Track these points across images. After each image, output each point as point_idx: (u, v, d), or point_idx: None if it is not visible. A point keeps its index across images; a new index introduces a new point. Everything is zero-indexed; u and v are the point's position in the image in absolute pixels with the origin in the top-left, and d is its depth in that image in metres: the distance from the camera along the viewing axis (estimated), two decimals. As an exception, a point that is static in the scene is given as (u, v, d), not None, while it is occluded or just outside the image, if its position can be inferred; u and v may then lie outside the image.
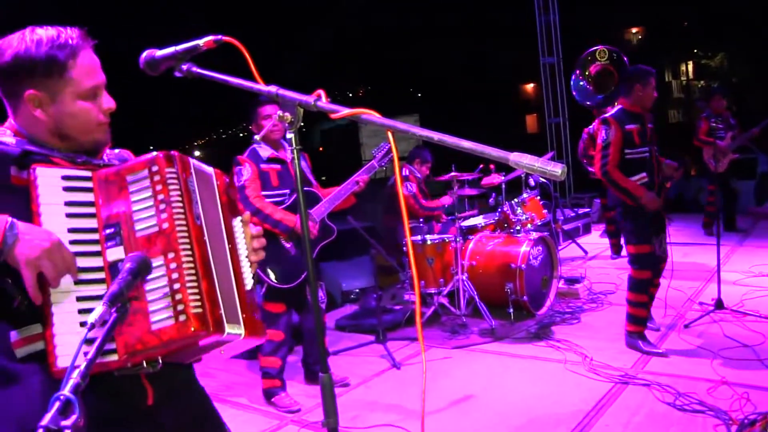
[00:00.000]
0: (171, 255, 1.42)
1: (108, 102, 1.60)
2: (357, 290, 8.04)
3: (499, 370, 4.40)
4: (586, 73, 7.25)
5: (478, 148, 1.17)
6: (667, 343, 4.51)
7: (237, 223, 1.75)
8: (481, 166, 5.98)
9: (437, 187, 6.98)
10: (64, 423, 0.98)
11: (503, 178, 6.23)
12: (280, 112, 1.49)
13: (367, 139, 22.70)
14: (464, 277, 5.44)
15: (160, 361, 1.47)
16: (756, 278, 5.97)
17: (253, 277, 1.73)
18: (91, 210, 1.48)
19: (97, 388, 1.40)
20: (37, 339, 1.42)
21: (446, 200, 6.23)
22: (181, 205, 1.46)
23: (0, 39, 1.51)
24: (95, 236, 1.47)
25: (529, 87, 26.03)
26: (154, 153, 1.49)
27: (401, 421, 3.69)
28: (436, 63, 24.78)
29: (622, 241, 6.56)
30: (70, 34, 1.51)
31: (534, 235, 5.60)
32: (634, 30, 23.45)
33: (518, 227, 5.78)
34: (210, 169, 1.70)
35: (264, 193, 3.95)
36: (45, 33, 1.49)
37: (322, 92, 1.47)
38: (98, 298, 1.41)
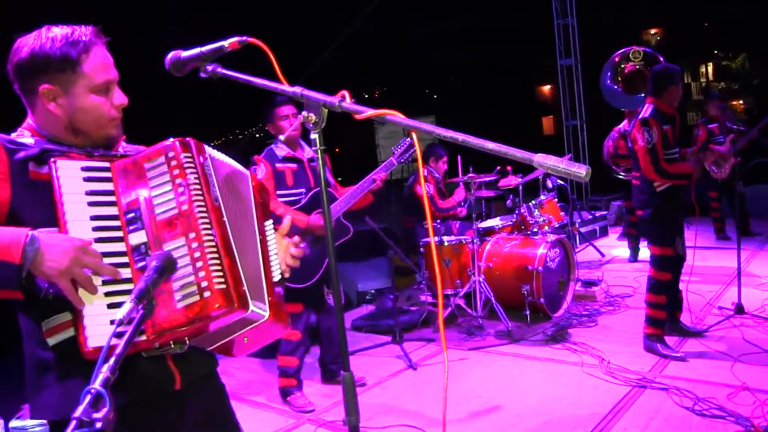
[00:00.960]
0: (192, 235, 1.46)
1: (120, 98, 1.65)
2: (373, 291, 8.05)
3: (515, 372, 4.39)
4: (618, 75, 7.17)
5: (502, 149, 1.18)
6: (686, 347, 4.47)
7: (269, 223, 1.85)
8: (499, 167, 5.96)
9: (455, 188, 6.98)
10: (95, 415, 1.01)
11: (521, 179, 6.21)
12: (305, 113, 1.51)
13: (383, 140, 22.68)
14: (481, 279, 5.43)
15: (187, 342, 1.53)
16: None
17: (281, 275, 1.82)
18: (112, 198, 1.53)
19: (127, 372, 1.45)
20: (67, 326, 1.47)
21: (459, 194, 6.20)
22: (198, 187, 1.51)
23: (19, 38, 1.57)
24: (117, 222, 1.51)
25: (546, 89, 25.94)
26: (171, 140, 1.55)
27: (417, 422, 3.69)
28: (452, 64, 24.77)
29: (642, 244, 6.53)
30: (84, 31, 1.57)
31: (551, 237, 5.58)
32: (652, 31, 23.32)
33: (535, 229, 5.76)
34: (246, 171, 1.81)
35: (279, 192, 3.96)
36: (60, 31, 1.56)
37: (346, 93, 1.48)
38: (124, 281, 1.46)
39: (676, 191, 4.29)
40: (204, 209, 1.50)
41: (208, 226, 1.49)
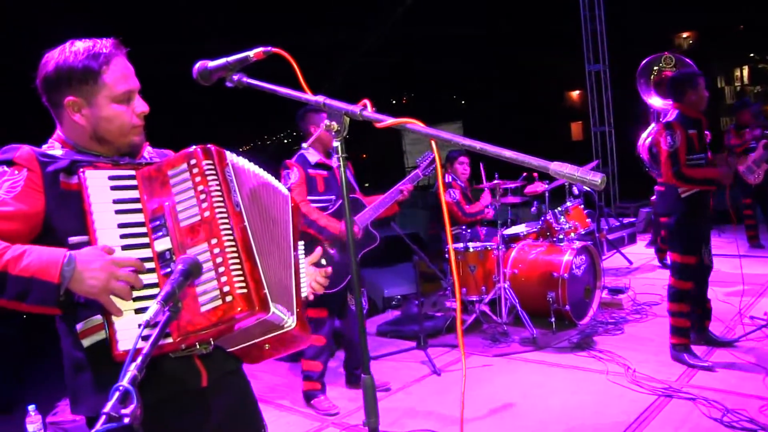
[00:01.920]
0: (214, 241, 1.51)
1: (141, 106, 1.71)
2: (399, 297, 8.06)
3: (540, 379, 4.37)
4: (651, 80, 7.07)
5: (519, 157, 1.19)
6: (715, 358, 4.40)
7: (300, 245, 1.92)
8: (525, 174, 5.94)
9: (481, 193, 6.96)
10: (123, 411, 1.07)
11: (546, 186, 6.17)
12: (327, 121, 1.54)
13: (410, 146, 22.72)
14: (506, 285, 5.41)
15: (212, 343, 1.59)
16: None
17: (306, 297, 1.89)
18: (138, 206, 1.58)
19: (156, 370, 1.53)
20: (99, 329, 1.54)
21: (486, 199, 6.18)
22: (219, 194, 1.55)
23: (47, 53, 1.65)
24: (143, 229, 1.57)
25: (575, 94, 25.72)
26: (192, 147, 1.59)
27: (440, 428, 3.70)
28: (480, 70, 24.69)
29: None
30: (104, 43, 1.64)
31: (577, 244, 5.55)
32: (685, 35, 22.94)
33: (561, 236, 5.73)
34: (286, 192, 1.92)
35: (310, 198, 4.00)
36: (82, 44, 1.63)
37: (367, 102, 1.51)
38: (150, 286, 1.52)
39: (701, 197, 4.21)
40: (225, 215, 1.54)
41: (230, 232, 1.53)
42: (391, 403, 4.19)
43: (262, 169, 1.83)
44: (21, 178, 1.54)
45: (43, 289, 1.41)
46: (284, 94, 1.60)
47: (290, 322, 1.64)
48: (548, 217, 5.89)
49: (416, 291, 5.23)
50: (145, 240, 1.56)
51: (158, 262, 1.54)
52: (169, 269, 1.52)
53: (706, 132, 4.32)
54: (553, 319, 5.31)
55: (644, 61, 7.08)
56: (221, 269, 1.48)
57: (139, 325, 1.38)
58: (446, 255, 5.77)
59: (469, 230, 5.80)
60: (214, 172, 1.57)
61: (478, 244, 5.61)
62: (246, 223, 1.60)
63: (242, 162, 1.75)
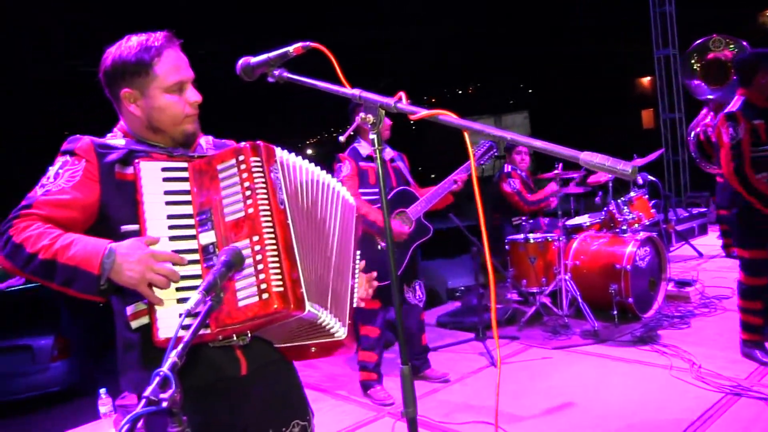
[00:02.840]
0: (255, 238, 1.53)
1: (194, 95, 1.76)
2: (462, 288, 8.04)
3: (601, 373, 4.28)
4: (694, 67, 6.76)
5: (549, 147, 1.17)
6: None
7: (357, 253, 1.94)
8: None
9: (543, 185, 6.84)
10: (162, 396, 1.12)
11: (610, 175, 6.01)
12: (362, 114, 1.55)
13: (472, 136, 22.51)
14: (567, 277, 5.32)
15: (249, 335, 1.64)
16: None
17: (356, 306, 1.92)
18: (187, 198, 1.63)
19: (197, 358, 1.61)
20: (144, 314, 1.61)
21: (552, 187, 6.05)
22: (264, 191, 1.57)
23: (107, 49, 1.74)
24: (191, 221, 1.62)
25: (646, 80, 24.87)
26: (242, 143, 1.62)
27: (494, 419, 3.66)
28: (547, 57, 24.18)
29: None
30: (157, 36, 1.71)
31: (641, 235, 5.38)
32: (768, 12, 21.69)
33: (624, 227, 5.57)
34: (354, 201, 1.95)
35: (361, 190, 4.03)
36: (137, 39, 1.71)
37: (402, 94, 1.52)
38: (193, 277, 1.57)
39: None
40: (268, 213, 1.56)
41: (271, 230, 1.55)
42: (448, 394, 4.19)
43: (317, 168, 1.85)
44: (80, 168, 1.63)
45: (85, 279, 1.49)
46: (322, 88, 1.62)
47: (340, 331, 1.68)
48: (611, 208, 5.73)
49: (477, 282, 5.21)
50: (192, 232, 1.61)
51: (202, 255, 1.58)
52: (212, 262, 1.56)
53: None
54: (615, 312, 5.18)
55: (690, 48, 6.77)
56: (260, 266, 1.51)
57: (180, 315, 1.44)
58: (506, 246, 5.70)
59: (530, 221, 5.72)
60: (260, 169, 1.59)
61: (538, 235, 5.53)
62: (289, 221, 1.62)
63: (292, 159, 1.76)
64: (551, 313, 5.48)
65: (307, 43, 1.66)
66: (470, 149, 1.47)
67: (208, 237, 1.60)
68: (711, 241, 8.34)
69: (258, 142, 1.63)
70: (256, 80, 1.78)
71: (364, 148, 4.12)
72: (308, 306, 1.56)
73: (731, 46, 6.67)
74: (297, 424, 1.89)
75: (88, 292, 1.51)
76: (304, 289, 1.57)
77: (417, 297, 4.31)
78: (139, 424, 1.07)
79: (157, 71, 1.69)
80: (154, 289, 1.51)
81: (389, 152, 4.22)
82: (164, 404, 1.11)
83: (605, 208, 5.84)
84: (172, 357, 1.17)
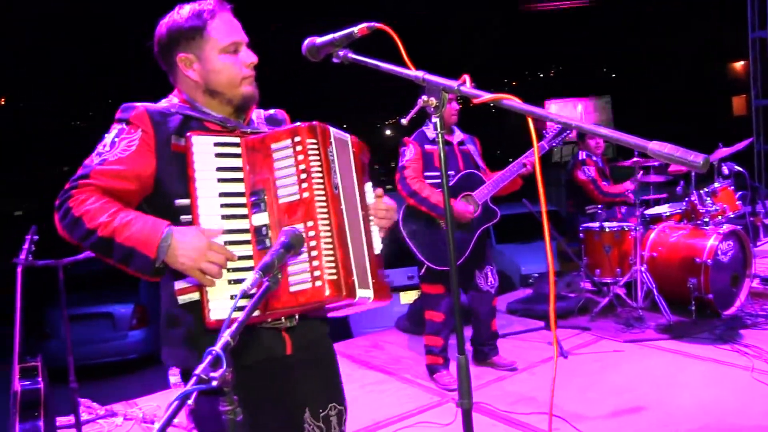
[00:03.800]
0: (310, 223, 1.51)
1: (250, 57, 1.77)
2: (536, 275, 7.91)
3: (674, 370, 4.12)
4: None
5: (615, 135, 1.12)
6: None
7: (368, 187, 1.82)
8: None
9: (621, 173, 6.60)
10: (213, 374, 1.12)
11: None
12: (425, 97, 1.52)
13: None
14: (643, 269, 5.13)
15: (297, 318, 1.65)
16: None
17: (381, 241, 1.82)
18: (239, 175, 1.62)
19: (243, 338, 1.60)
20: (192, 290, 1.62)
21: (629, 185, 5.84)
22: (320, 175, 1.55)
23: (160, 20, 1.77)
24: (243, 200, 1.61)
25: (739, 65, 23.58)
26: (298, 123, 1.60)
27: (561, 412, 3.58)
28: (631, 40, 23.28)
29: None
30: (208, 2, 1.73)
31: (725, 227, 5.12)
32: None
33: (706, 219, 5.31)
34: (346, 135, 1.77)
35: (427, 173, 4.00)
36: (189, 7, 1.73)
37: (467, 77, 1.49)
38: (244, 258, 1.56)
39: None
40: (323, 198, 1.53)
41: (326, 216, 1.53)
42: (514, 383, 4.14)
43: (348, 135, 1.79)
44: (136, 138, 1.64)
45: (141, 260, 1.51)
46: (386, 69, 1.60)
47: (370, 297, 1.64)
48: (693, 198, 5.48)
49: (556, 270, 5.11)
50: (244, 212, 1.60)
51: (254, 236, 1.57)
52: (264, 245, 1.55)
53: None
54: (693, 307, 4.96)
55: None
56: (314, 253, 1.49)
57: (233, 296, 1.45)
58: (580, 234, 5.55)
59: (605, 210, 5.55)
60: (317, 151, 1.56)
61: (614, 224, 5.36)
62: (343, 206, 1.59)
63: (344, 138, 1.73)
64: (625, 305, 5.32)
65: (372, 23, 1.64)
66: (534, 135, 1.43)
67: (260, 218, 1.58)
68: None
69: (314, 122, 1.60)
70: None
71: (431, 131, 4.08)
72: (359, 293, 1.55)
73: None
74: (334, 407, 1.88)
75: (143, 272, 1.53)
76: (355, 278, 1.55)
77: (489, 283, 4.26)
78: (190, 401, 1.09)
79: (211, 33, 1.71)
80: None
81: (459, 135, 4.17)
82: (214, 383, 1.12)
83: (686, 199, 5.59)
84: (225, 336, 1.18)
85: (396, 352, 4.94)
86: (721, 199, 5.42)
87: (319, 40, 1.71)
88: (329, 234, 1.52)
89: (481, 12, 21.87)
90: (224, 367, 1.13)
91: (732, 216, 5.55)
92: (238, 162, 1.63)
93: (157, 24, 1.77)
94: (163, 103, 1.77)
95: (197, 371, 1.12)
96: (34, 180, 23.95)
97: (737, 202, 5.59)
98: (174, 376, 4.43)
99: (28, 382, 3.39)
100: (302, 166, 1.55)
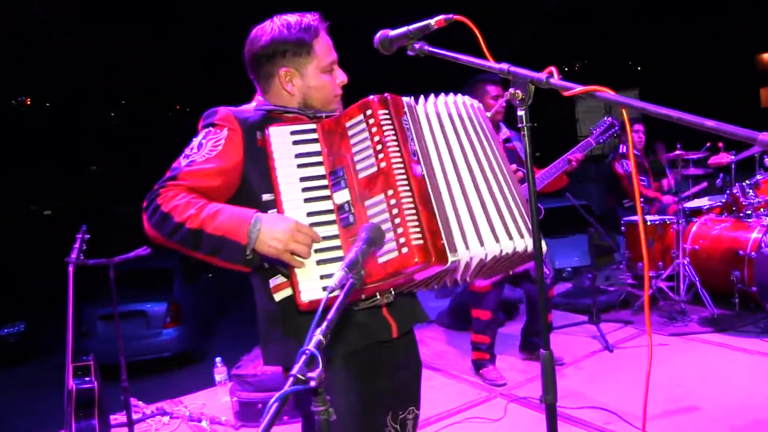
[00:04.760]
0: (390, 192, 1.51)
1: (342, 76, 1.80)
2: (570, 269, 7.89)
3: (722, 364, 4.10)
4: None
5: (722, 127, 1.12)
6: None
7: None
8: (709, 143, 5.52)
9: (660, 166, 6.56)
10: (310, 374, 1.11)
11: (733, 157, 5.69)
12: (512, 90, 1.47)
13: (582, 114, 21.79)
14: (686, 262, 5.10)
15: (392, 293, 1.61)
16: None
17: None
18: (318, 159, 1.64)
19: (347, 325, 1.63)
20: (286, 285, 1.64)
21: (669, 199, 5.81)
22: (396, 144, 1.54)
23: (255, 28, 1.76)
24: (324, 182, 1.62)
25: (767, 56, 23.19)
26: (370, 97, 1.59)
27: (612, 406, 3.58)
28: (658, 32, 22.98)
29: None
30: (311, 17, 1.74)
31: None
32: None
33: (749, 212, 5.26)
34: (476, 102, 1.83)
35: None
36: (292, 18, 1.73)
37: (553, 69, 1.45)
38: (330, 237, 1.57)
39: None
40: (401, 166, 1.52)
41: (405, 183, 1.51)
42: (562, 378, 4.12)
43: (454, 98, 1.78)
44: (222, 137, 1.66)
45: (231, 248, 1.52)
46: (466, 62, 1.56)
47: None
48: (735, 191, 5.43)
49: (590, 263, 5.09)
50: (326, 192, 1.61)
51: (338, 214, 1.58)
52: (348, 222, 1.56)
53: None
54: (736, 300, 4.92)
55: None
56: (397, 220, 1.48)
57: (322, 276, 1.47)
58: (622, 228, 5.53)
59: (646, 204, 5.53)
60: (389, 121, 1.56)
61: (656, 217, 5.34)
62: (423, 172, 1.57)
63: (422, 105, 1.72)
64: (667, 298, 5.29)
65: (450, 15, 1.60)
66: (628, 126, 1.43)
67: (342, 195, 1.59)
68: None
69: (385, 94, 1.59)
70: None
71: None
72: (450, 257, 1.51)
73: None
74: (412, 411, 1.87)
75: (234, 262, 1.54)
76: (444, 240, 1.51)
77: (545, 274, 4.25)
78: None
79: (316, 51, 1.73)
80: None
81: (505, 132, 4.16)
82: (312, 384, 1.10)
83: (728, 191, 5.54)
84: (317, 336, 1.16)
85: (439, 347, 4.96)
86: (764, 192, 5.37)
87: (392, 32, 1.67)
88: (411, 200, 1.50)
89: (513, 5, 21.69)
90: (320, 366, 1.11)
91: (776, 208, 5.48)
92: (316, 147, 1.64)
93: (253, 30, 1.76)
94: (244, 107, 1.79)
95: (293, 371, 1.10)
96: (64, 180, 24.26)
97: (781, 194, 5.53)
98: (220, 374, 4.47)
99: (82, 381, 3.45)
100: (377, 138, 1.55)
